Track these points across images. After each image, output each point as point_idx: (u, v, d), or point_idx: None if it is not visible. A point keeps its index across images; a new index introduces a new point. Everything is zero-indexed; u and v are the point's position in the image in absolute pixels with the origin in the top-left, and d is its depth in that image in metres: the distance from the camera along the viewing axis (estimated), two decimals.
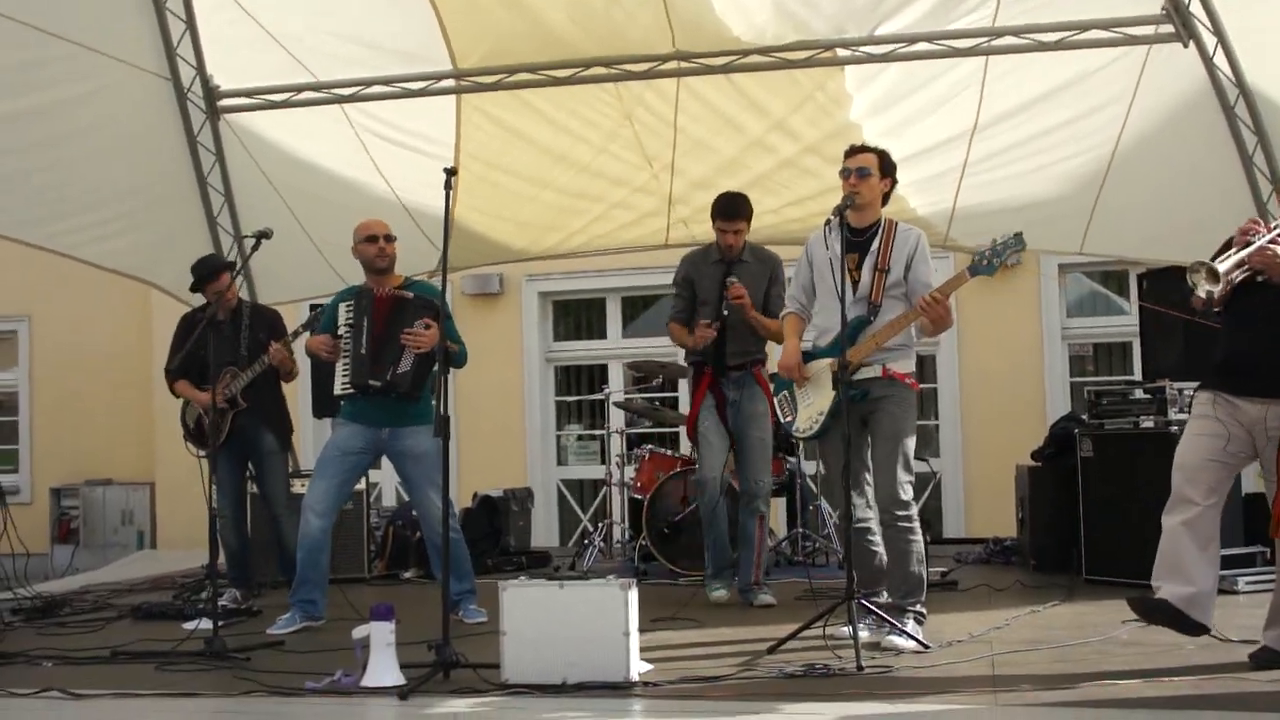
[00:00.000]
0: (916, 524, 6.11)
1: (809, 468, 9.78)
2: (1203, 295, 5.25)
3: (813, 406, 6.28)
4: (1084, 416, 8.68)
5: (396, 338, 6.82)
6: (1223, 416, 5.34)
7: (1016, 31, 8.41)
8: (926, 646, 5.78)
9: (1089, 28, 8.39)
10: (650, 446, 9.56)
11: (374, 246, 7.03)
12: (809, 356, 6.35)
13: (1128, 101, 8.63)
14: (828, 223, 6.10)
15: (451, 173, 5.89)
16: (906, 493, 6.02)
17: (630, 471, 9.82)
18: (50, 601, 8.18)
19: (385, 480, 13.86)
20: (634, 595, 5.22)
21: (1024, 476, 9.16)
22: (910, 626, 5.96)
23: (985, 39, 8.46)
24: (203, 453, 7.85)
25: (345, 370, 6.96)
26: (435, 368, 6.50)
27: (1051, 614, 6.93)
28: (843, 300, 5.90)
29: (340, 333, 6.98)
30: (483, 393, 12.75)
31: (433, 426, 6.31)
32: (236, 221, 10.08)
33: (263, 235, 6.81)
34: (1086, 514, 8.15)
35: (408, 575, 9.46)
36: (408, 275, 7.30)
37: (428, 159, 9.51)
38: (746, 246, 7.43)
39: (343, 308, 7.04)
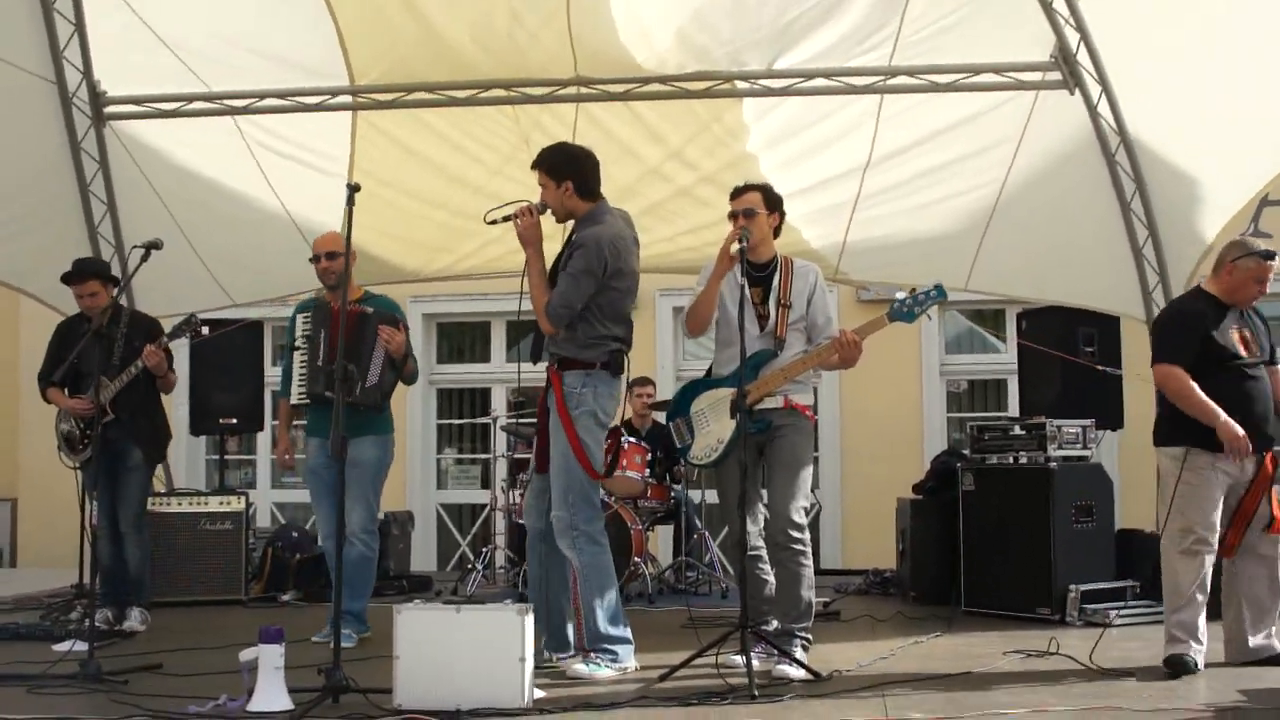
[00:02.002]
0: (808, 550, 6.11)
1: (695, 495, 9.77)
2: None
3: (711, 434, 6.28)
4: (965, 451, 8.80)
5: (362, 352, 6.90)
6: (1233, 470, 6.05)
7: (912, 72, 8.56)
8: (818, 675, 5.77)
9: (982, 71, 8.54)
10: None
11: (316, 265, 7.17)
12: (710, 384, 6.35)
13: (1015, 143, 8.79)
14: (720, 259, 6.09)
15: (354, 189, 5.78)
16: (801, 518, 6.05)
17: (515, 496, 9.73)
18: None
19: (261, 501, 13.64)
20: (530, 620, 5.16)
21: (905, 509, 9.25)
22: (799, 653, 5.99)
23: (882, 78, 8.60)
24: (76, 464, 7.75)
25: (302, 381, 7.07)
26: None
27: (934, 644, 7.00)
28: (743, 334, 5.89)
29: (297, 344, 7.10)
30: None
31: (380, 437, 6.96)
32: (119, 231, 9.87)
33: (152, 246, 6.64)
34: (967, 546, 8.26)
35: (286, 598, 9.32)
36: (367, 288, 7.42)
37: (320, 175, 9.42)
38: None
39: (300, 319, 7.17)
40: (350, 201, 5.74)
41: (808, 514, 6.16)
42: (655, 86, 8.66)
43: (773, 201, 6.27)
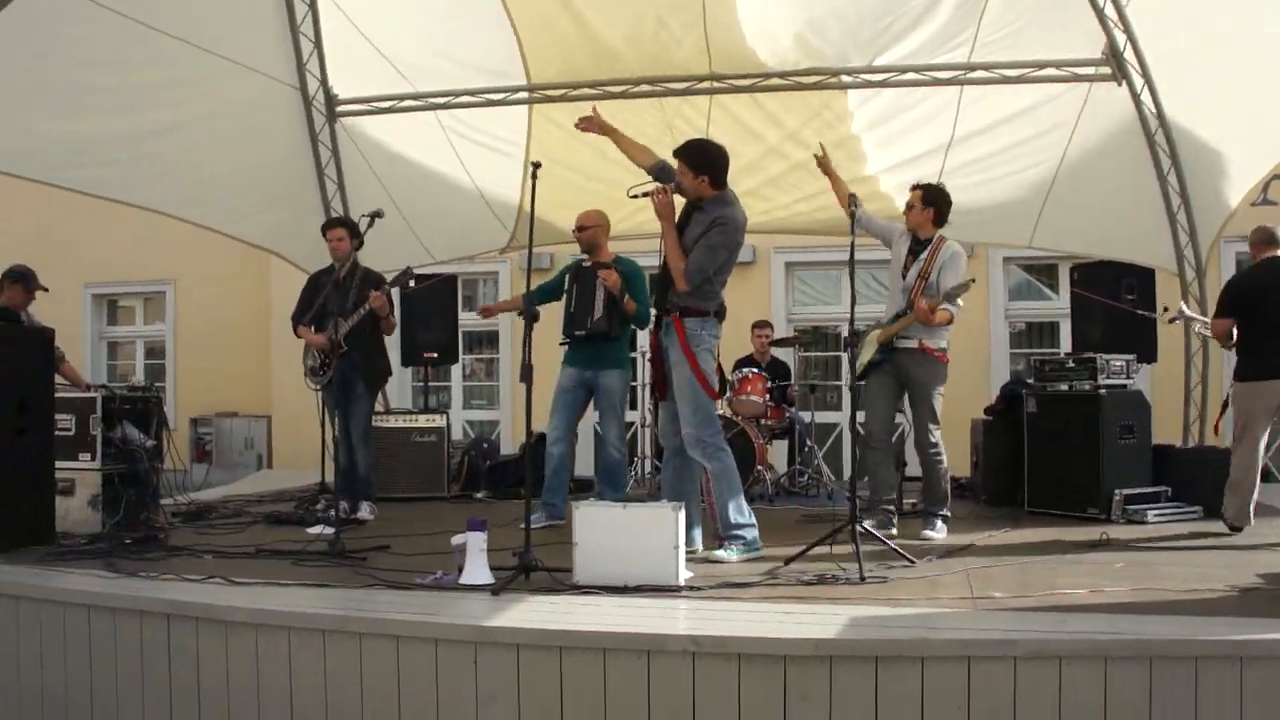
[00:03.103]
0: (942, 453, 6.77)
1: (805, 415, 9.69)
2: None
3: (860, 360, 6.91)
4: (1029, 380, 8.59)
5: (591, 296, 7.15)
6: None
7: (987, 67, 8.33)
8: (912, 561, 5.68)
9: (1044, 66, 8.32)
10: None
11: (577, 235, 7.47)
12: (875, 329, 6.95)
13: (1071, 126, 8.59)
14: (903, 233, 6.86)
15: (537, 166, 5.79)
16: (934, 435, 6.75)
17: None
18: (201, 508, 8.17)
19: (456, 418, 13.85)
20: (682, 516, 5.13)
21: (978, 428, 9.08)
22: (939, 524, 6.76)
23: (961, 72, 8.37)
24: (317, 387, 7.86)
25: (563, 324, 7.36)
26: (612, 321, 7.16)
27: (1004, 537, 6.86)
28: (854, 295, 5.87)
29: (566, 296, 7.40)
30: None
31: (621, 371, 7.18)
32: (346, 205, 9.98)
33: (376, 215, 6.68)
34: (1030, 458, 8.08)
35: (479, 495, 9.40)
36: (618, 255, 7.51)
37: (503, 156, 9.48)
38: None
39: (568, 277, 7.40)
40: (534, 176, 5.78)
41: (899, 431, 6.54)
42: (775, 80, 8.54)
43: (928, 198, 6.86)
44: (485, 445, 9.94)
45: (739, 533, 5.91)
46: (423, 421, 9.41)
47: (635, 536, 5.02)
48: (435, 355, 10.12)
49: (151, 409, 7.41)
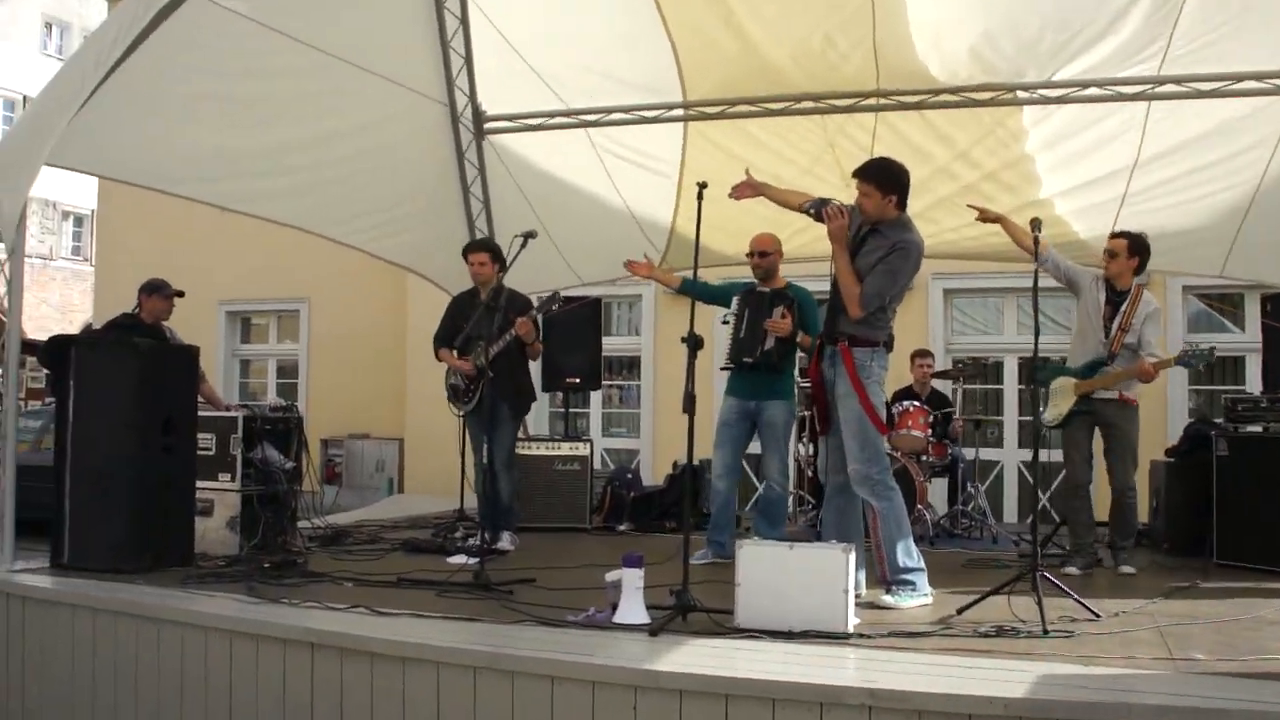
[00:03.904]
0: (1135, 497, 7.14)
1: (968, 452, 9.42)
2: None
3: (1058, 406, 7.13)
4: (1218, 420, 8.19)
5: (760, 326, 7.11)
6: None
7: (1178, 80, 7.92)
8: (1096, 615, 5.43)
9: (1243, 79, 7.86)
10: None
11: (750, 260, 7.40)
12: (1064, 371, 7.17)
13: (1272, 145, 8.12)
14: (1096, 279, 7.04)
15: (703, 186, 5.76)
16: (1131, 480, 7.08)
17: (804, 449, 9.53)
18: (336, 532, 8.26)
19: (594, 443, 13.85)
20: (853, 558, 4.98)
21: (1159, 470, 8.67)
22: (1124, 556, 7.13)
23: (1150, 86, 7.99)
24: (460, 413, 7.88)
25: (729, 350, 7.30)
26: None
27: (1196, 591, 6.50)
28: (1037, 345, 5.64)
29: (726, 318, 7.33)
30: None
31: (786, 402, 7.24)
32: (491, 224, 10.02)
33: (529, 236, 6.76)
34: (1219, 504, 7.66)
35: (621, 528, 9.31)
36: (789, 280, 7.45)
37: (656, 176, 9.43)
38: None
39: (736, 299, 7.33)
40: (699, 197, 5.72)
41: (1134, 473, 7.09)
42: (946, 97, 8.29)
43: (1134, 249, 7.01)
44: (629, 476, 9.88)
45: (908, 577, 5.74)
46: (565, 449, 9.40)
47: (802, 578, 4.90)
48: (578, 381, 10.08)
49: (292, 430, 7.53)
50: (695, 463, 9.91)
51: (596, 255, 10.10)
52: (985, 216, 6.93)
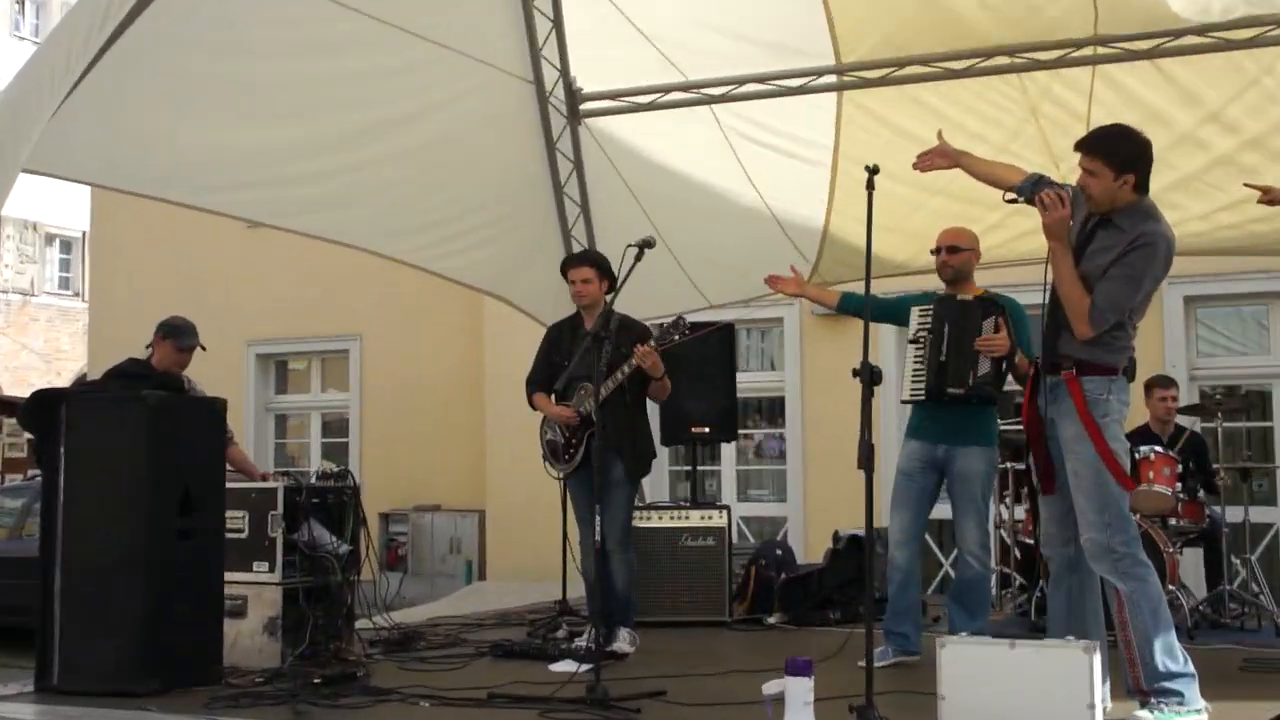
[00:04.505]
0: None
1: (1233, 513, 9.05)
2: None
3: None
4: None
5: (967, 341, 6.93)
6: None
7: None
8: None
9: None
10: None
11: (937, 258, 7.26)
12: None
13: None
14: None
15: (873, 171, 5.72)
16: None
17: (1018, 512, 9.30)
18: (405, 634, 8.20)
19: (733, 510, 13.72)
20: (1098, 660, 4.75)
21: None
22: None
23: None
24: (560, 474, 7.84)
25: (917, 376, 7.12)
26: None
27: None
28: None
29: (915, 335, 7.14)
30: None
31: (986, 450, 7.11)
32: (591, 233, 10.04)
33: (645, 245, 6.73)
34: None
35: (772, 620, 9.12)
36: (987, 289, 7.30)
37: (802, 164, 9.30)
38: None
39: (916, 311, 7.18)
40: (869, 185, 5.72)
41: None
42: (1190, 39, 7.95)
43: None
44: (778, 553, 9.70)
45: (1171, 685, 5.43)
46: (695, 520, 9.23)
47: (1031, 689, 4.75)
48: (707, 431, 9.95)
49: (346, 503, 7.51)
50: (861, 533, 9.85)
51: (727, 268, 10.07)
52: (1271, 197, 6.58)
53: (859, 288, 7.73)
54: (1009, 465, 9.11)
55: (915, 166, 6.25)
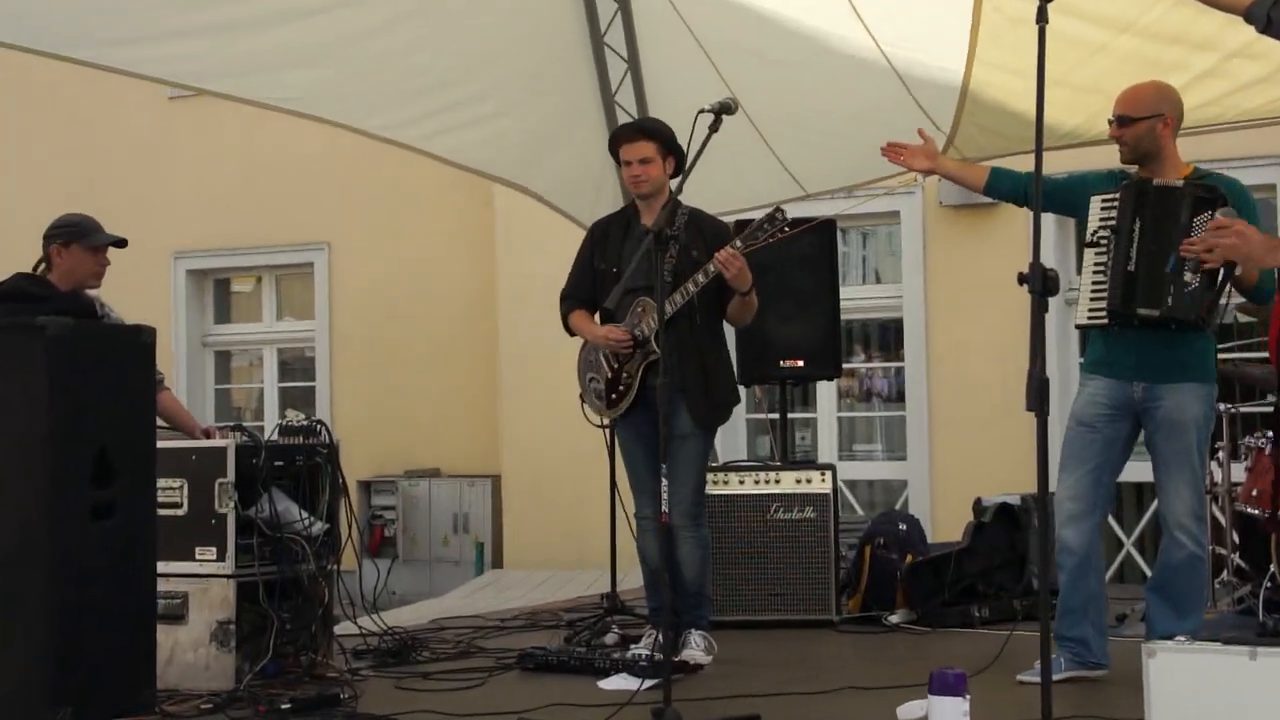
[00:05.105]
0: None
1: None
2: None
3: None
4: None
5: (1173, 241, 6.82)
6: None
7: None
8: None
9: None
10: (1269, 435, 8.85)
11: (1111, 129, 7.14)
12: None
13: None
14: None
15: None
16: None
17: (1237, 472, 9.26)
18: (403, 641, 8.26)
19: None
20: None
21: None
22: None
23: None
24: (606, 420, 8.12)
25: (1098, 291, 7.02)
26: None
27: None
28: None
29: (1094, 237, 7.04)
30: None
31: (1204, 387, 6.99)
32: (643, 97, 10.11)
33: (723, 110, 6.72)
34: None
35: (894, 619, 9.20)
36: (1196, 165, 7.19)
37: None
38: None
39: (1098, 203, 7.07)
40: (1041, 16, 5.66)
41: None
42: None
43: None
44: (902, 528, 9.72)
45: None
46: (789, 484, 9.27)
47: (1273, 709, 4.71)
48: (800, 365, 10.01)
49: (321, 467, 7.58)
50: (1019, 501, 9.78)
51: (830, 147, 10.10)
52: None
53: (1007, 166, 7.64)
54: (1224, 407, 9.08)
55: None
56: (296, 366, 17.29)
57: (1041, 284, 5.45)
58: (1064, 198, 7.25)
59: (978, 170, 7.41)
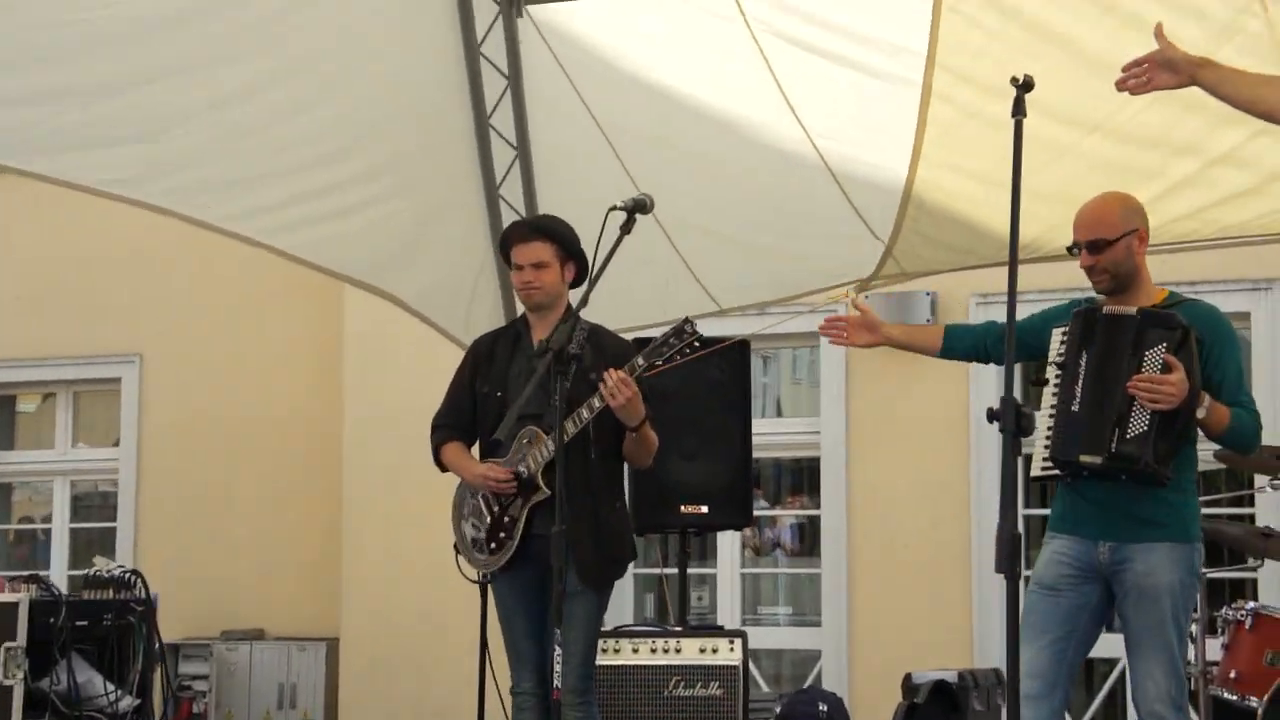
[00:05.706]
0: None
1: None
2: None
3: None
4: None
5: (1120, 377, 6.88)
6: None
7: None
8: None
9: None
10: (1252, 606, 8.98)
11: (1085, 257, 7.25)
12: None
13: None
14: None
15: (1025, 88, 6.01)
16: None
17: (1214, 649, 9.33)
18: None
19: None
20: None
21: None
22: None
23: None
24: (482, 574, 8.10)
25: (1049, 437, 7.05)
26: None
27: None
28: None
29: (1041, 375, 7.21)
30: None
31: (1182, 548, 6.95)
32: (532, 192, 10.15)
33: (636, 208, 6.84)
34: None
35: None
36: (1171, 291, 7.31)
37: (871, 80, 9.24)
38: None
39: (1057, 334, 7.16)
40: (1018, 109, 5.91)
41: None
42: None
43: None
44: (823, 710, 9.86)
45: None
46: (691, 654, 9.29)
47: None
48: (704, 511, 10.10)
49: (133, 629, 7.64)
50: (956, 679, 9.83)
51: (749, 255, 10.20)
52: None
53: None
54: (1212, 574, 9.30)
55: (1121, 85, 6.27)
56: (93, 503, 17.09)
57: (1015, 421, 5.51)
58: (1030, 341, 7.28)
59: (929, 333, 7.74)
